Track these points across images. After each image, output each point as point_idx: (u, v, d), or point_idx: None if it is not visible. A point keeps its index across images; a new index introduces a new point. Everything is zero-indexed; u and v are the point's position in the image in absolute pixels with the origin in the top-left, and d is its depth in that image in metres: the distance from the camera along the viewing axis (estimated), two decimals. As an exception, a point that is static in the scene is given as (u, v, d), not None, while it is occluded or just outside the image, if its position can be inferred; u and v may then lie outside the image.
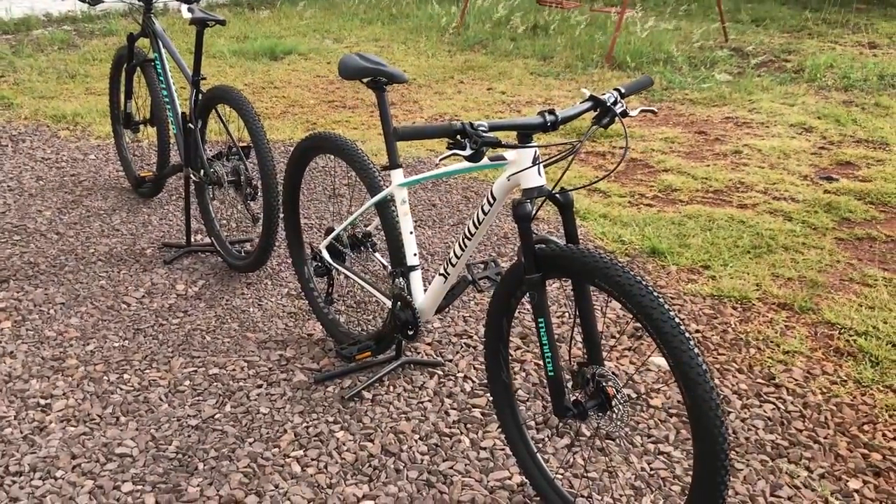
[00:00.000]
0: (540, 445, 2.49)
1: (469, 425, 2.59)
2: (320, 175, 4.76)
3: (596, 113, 1.94)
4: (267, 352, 2.98)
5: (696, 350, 1.70)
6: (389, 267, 2.63)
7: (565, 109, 1.92)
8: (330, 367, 2.88)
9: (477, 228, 2.20)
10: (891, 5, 10.27)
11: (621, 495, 2.30)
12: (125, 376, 2.83)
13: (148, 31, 3.86)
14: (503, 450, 2.46)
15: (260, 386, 2.78)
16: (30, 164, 4.88)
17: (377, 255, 2.87)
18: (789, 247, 3.87)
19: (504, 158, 2.04)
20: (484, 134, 1.77)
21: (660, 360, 2.92)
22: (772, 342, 3.08)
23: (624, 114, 1.93)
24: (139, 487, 2.30)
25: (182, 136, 3.66)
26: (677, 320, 1.72)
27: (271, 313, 3.25)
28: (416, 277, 2.53)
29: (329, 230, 2.90)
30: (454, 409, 2.67)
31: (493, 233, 3.99)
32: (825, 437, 2.56)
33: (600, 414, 1.97)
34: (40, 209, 4.22)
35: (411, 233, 2.51)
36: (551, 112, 1.87)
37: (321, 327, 3.11)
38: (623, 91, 1.97)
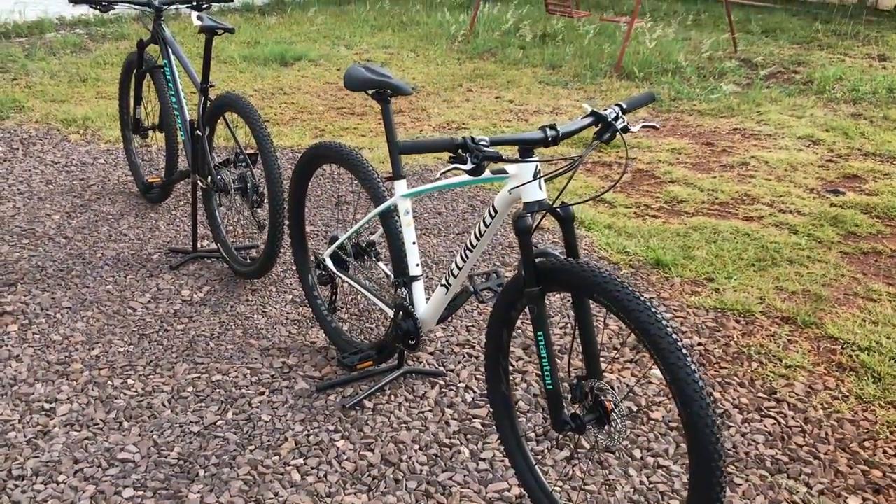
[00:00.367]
0: (540, 457, 2.50)
1: (469, 436, 2.60)
2: (327, 182, 4.78)
3: (597, 128, 1.95)
4: (270, 359, 3.00)
5: (693, 366, 1.71)
6: (392, 276, 2.65)
7: (566, 124, 1.93)
8: (332, 376, 2.90)
9: (478, 240, 2.21)
10: (902, 17, 10.25)
11: (619, 508, 2.31)
12: (129, 381, 2.85)
13: (158, 37, 3.89)
14: (502, 461, 2.47)
15: (262, 393, 2.80)
16: (40, 167, 4.93)
17: (381, 264, 2.88)
18: (794, 260, 3.87)
19: (505, 172, 2.05)
20: (485, 148, 1.78)
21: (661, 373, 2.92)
22: (774, 356, 3.08)
23: (625, 129, 1.94)
24: (140, 493, 2.32)
25: (190, 143, 3.69)
26: (675, 336, 1.72)
27: (275, 320, 3.27)
28: (418, 287, 2.54)
29: (333, 239, 2.92)
30: (455, 419, 2.68)
31: (497, 242, 4.01)
32: (825, 453, 2.56)
33: (598, 428, 1.98)
34: (49, 213, 4.26)
35: (414, 243, 2.53)
36: (552, 127, 1.89)
37: (324, 335, 3.12)
38: (625, 107, 1.98)
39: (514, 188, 2.00)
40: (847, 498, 2.38)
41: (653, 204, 4.58)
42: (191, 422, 2.64)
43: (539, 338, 1.98)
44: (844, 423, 2.71)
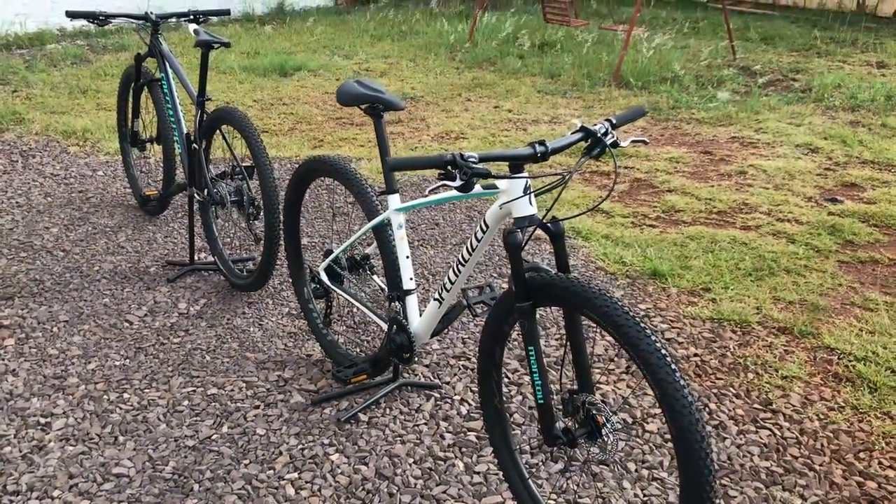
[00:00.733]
0: (534, 470, 2.50)
1: (464, 449, 2.60)
2: (325, 193, 4.79)
3: (587, 143, 1.96)
4: (266, 372, 3.00)
5: (683, 381, 1.71)
6: (386, 290, 2.65)
7: (556, 140, 1.94)
8: (328, 389, 2.90)
9: (471, 255, 2.22)
10: (901, 24, 10.26)
11: (613, 522, 2.31)
12: (125, 395, 2.85)
13: (155, 51, 3.91)
14: (496, 474, 2.47)
15: (257, 407, 2.80)
16: (39, 179, 4.94)
17: (375, 277, 2.89)
18: (791, 269, 3.87)
19: (496, 187, 2.06)
20: (474, 165, 1.79)
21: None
22: (770, 367, 3.08)
23: (614, 144, 1.94)
24: (134, 508, 2.32)
25: (187, 156, 3.71)
26: (664, 351, 1.73)
27: (271, 333, 3.28)
28: (411, 301, 2.55)
29: (328, 252, 2.93)
30: (449, 432, 2.68)
31: (494, 253, 4.01)
32: (821, 465, 2.56)
33: (589, 442, 1.98)
34: (47, 226, 4.27)
35: (407, 257, 2.53)
36: (541, 143, 1.89)
37: (320, 348, 3.13)
38: (614, 122, 1.98)
39: (505, 203, 2.01)
40: (842, 510, 2.37)
41: (650, 213, 4.59)
42: (186, 436, 2.64)
43: (530, 352, 1.98)
44: (840, 434, 2.71)
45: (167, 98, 3.85)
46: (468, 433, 2.67)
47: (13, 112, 6.18)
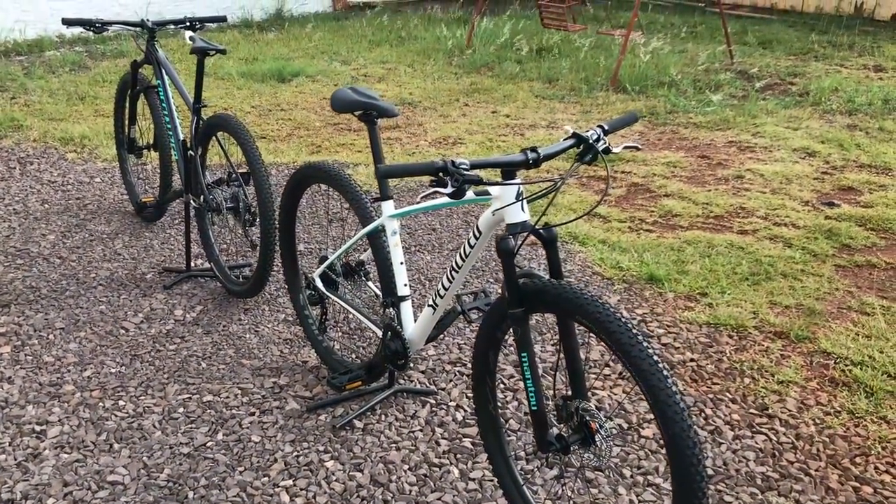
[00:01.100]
0: (529, 476, 2.50)
1: (459, 455, 2.60)
2: (322, 199, 4.79)
3: (579, 150, 1.96)
4: (261, 379, 3.00)
5: (675, 387, 1.71)
6: (381, 296, 2.65)
7: (548, 147, 1.94)
8: (323, 396, 2.90)
9: (464, 261, 2.22)
10: (898, 27, 10.27)
11: (608, 528, 2.31)
12: (120, 403, 2.85)
13: (151, 58, 3.92)
14: (492, 481, 2.47)
15: (253, 414, 2.80)
16: (36, 186, 4.95)
17: (370, 283, 2.89)
18: (788, 274, 3.87)
19: (489, 193, 2.06)
20: (465, 172, 1.79)
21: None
22: (766, 371, 3.08)
23: (606, 150, 1.95)
24: (129, 516, 2.32)
25: (183, 162, 3.71)
26: (655, 358, 1.73)
27: (267, 339, 3.28)
28: (406, 307, 2.55)
29: (323, 258, 2.93)
30: (445, 438, 2.68)
31: (491, 258, 4.01)
32: (816, 470, 2.56)
33: (583, 449, 1.98)
34: (44, 233, 4.28)
35: (402, 263, 2.53)
36: (533, 150, 1.90)
37: (316, 355, 3.13)
38: (607, 128, 1.99)
39: (498, 210, 2.01)
40: (837, 515, 2.37)
41: (647, 218, 4.59)
42: (181, 443, 2.64)
43: (523, 358, 1.98)
44: (836, 438, 2.70)
45: (163, 105, 3.86)
46: (463, 439, 2.67)
47: (11, 119, 6.19)
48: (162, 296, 3.64)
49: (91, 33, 3.90)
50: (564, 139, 1.98)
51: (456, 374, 3.04)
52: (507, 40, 9.29)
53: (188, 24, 3.79)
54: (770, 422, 2.79)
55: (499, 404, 2.74)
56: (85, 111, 6.60)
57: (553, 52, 8.90)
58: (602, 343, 1.89)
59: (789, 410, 2.85)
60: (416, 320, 2.53)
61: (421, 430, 2.72)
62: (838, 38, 9.50)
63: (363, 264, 2.89)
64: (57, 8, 9.18)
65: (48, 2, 9.28)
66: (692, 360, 3.16)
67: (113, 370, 3.05)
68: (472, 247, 2.17)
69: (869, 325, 3.39)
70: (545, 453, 2.02)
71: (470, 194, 2.08)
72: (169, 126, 3.83)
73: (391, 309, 2.56)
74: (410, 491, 2.44)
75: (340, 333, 3.34)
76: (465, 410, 2.82)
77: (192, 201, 3.67)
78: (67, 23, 3.78)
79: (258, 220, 3.31)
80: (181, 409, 2.82)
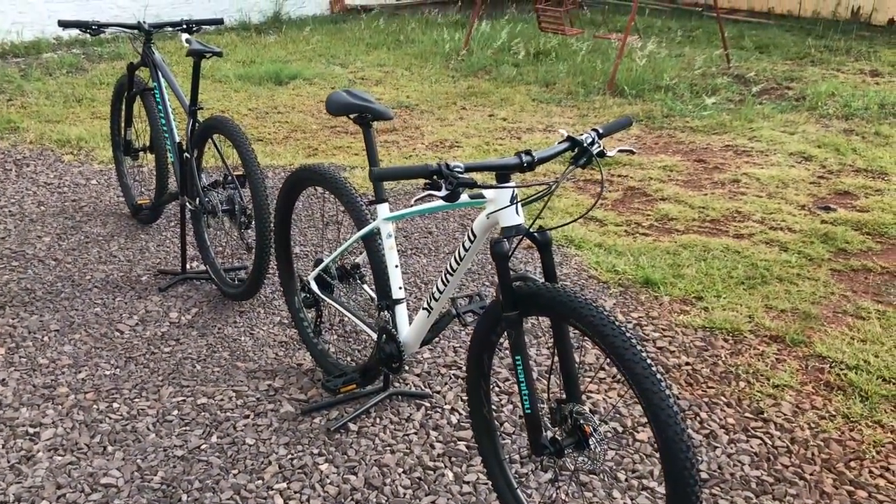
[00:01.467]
0: (524, 480, 2.49)
1: (454, 459, 2.59)
2: (317, 201, 4.79)
3: (573, 153, 1.96)
4: (256, 381, 3.00)
5: (668, 391, 1.71)
6: (376, 299, 2.65)
7: (542, 150, 1.94)
8: (318, 398, 2.89)
9: (459, 264, 2.22)
10: (894, 33, 10.29)
11: (603, 532, 2.30)
12: (114, 405, 2.85)
13: (148, 60, 3.92)
14: (486, 484, 2.46)
15: (247, 416, 2.79)
16: (32, 188, 4.94)
17: (366, 286, 2.88)
18: (784, 278, 3.87)
19: (483, 197, 2.06)
20: (460, 175, 1.79)
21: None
22: (762, 375, 3.08)
23: (601, 154, 1.95)
24: (122, 519, 2.32)
25: (179, 165, 3.71)
26: (649, 361, 1.73)
27: (262, 342, 3.27)
28: (401, 311, 2.55)
29: (318, 261, 2.93)
30: (439, 441, 2.67)
31: (487, 261, 4.01)
32: (811, 474, 2.56)
33: (577, 452, 1.98)
34: (40, 235, 4.27)
35: (397, 266, 2.53)
36: (528, 153, 1.90)
37: (311, 357, 3.12)
38: (601, 132, 1.99)
39: (492, 213, 2.01)
40: (832, 520, 2.37)
41: (643, 222, 4.59)
42: (175, 445, 2.64)
43: (517, 362, 1.98)
44: (831, 442, 2.70)
45: (160, 107, 3.86)
46: (458, 443, 2.67)
47: (8, 121, 6.18)
48: (157, 298, 3.63)
49: (88, 35, 3.90)
50: (559, 143, 1.98)
51: (451, 378, 3.03)
52: (505, 44, 9.30)
53: (185, 26, 3.79)
54: (765, 426, 2.79)
55: (493, 407, 2.75)
56: (82, 113, 6.59)
57: (550, 56, 8.91)
58: (596, 347, 1.89)
59: (784, 414, 2.85)
60: (411, 323, 2.53)
61: (415, 433, 2.71)
62: (835, 42, 9.52)
63: (358, 267, 2.89)
64: (54, 10, 9.18)
65: (45, 3, 9.28)
66: (687, 363, 3.16)
67: (107, 372, 3.04)
68: (466, 250, 2.17)
69: (864, 330, 3.40)
70: (539, 457, 2.01)
71: (465, 197, 2.09)
72: (165, 128, 3.83)
73: (386, 312, 2.56)
74: (405, 494, 2.44)
75: (335, 336, 3.33)
76: (460, 413, 2.82)
77: (187, 204, 3.67)
78: (64, 25, 3.78)
79: (254, 222, 3.31)
80: (175, 412, 2.81)
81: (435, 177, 1.80)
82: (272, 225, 3.18)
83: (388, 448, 2.64)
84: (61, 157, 5.51)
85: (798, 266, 4.00)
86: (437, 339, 3.06)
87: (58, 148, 5.70)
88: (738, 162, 5.62)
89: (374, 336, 2.64)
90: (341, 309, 2.84)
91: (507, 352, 3.13)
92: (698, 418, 2.82)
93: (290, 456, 2.59)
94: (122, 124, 4.35)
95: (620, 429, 2.75)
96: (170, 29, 3.86)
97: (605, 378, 3.04)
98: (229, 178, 3.47)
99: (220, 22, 3.99)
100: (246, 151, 3.23)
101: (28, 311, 3.48)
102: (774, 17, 11.64)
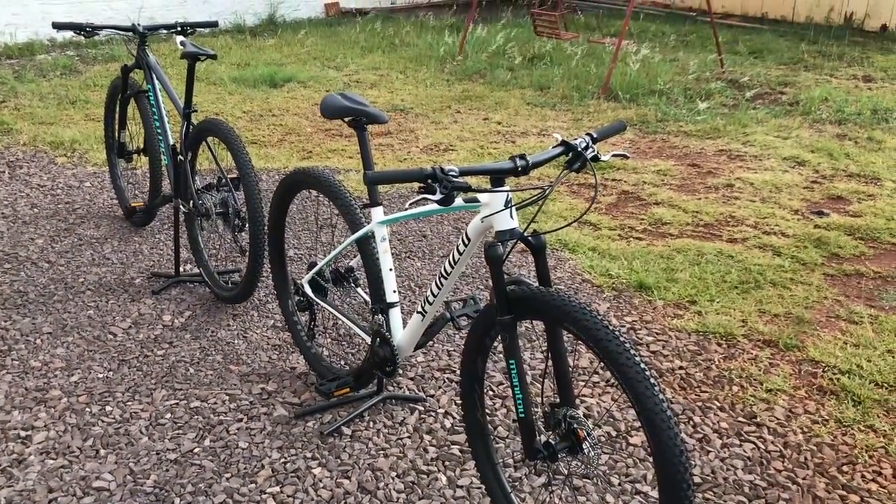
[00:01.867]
0: (517, 484, 2.49)
1: (447, 462, 2.59)
2: (312, 204, 4.79)
3: (567, 157, 1.97)
4: (249, 385, 2.99)
5: (662, 395, 1.71)
6: (370, 303, 2.65)
7: (537, 154, 1.94)
8: (311, 402, 2.89)
9: (453, 268, 2.22)
10: (887, 38, 10.35)
11: (596, 536, 2.30)
12: (107, 408, 2.84)
13: (142, 62, 3.91)
14: (479, 488, 2.46)
15: (240, 420, 2.78)
16: (25, 190, 4.93)
17: (360, 290, 2.88)
18: (777, 282, 3.88)
19: (478, 200, 2.06)
20: (454, 179, 1.79)
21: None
22: (755, 380, 3.09)
23: (595, 159, 1.95)
24: (114, 523, 2.31)
25: (173, 167, 3.70)
26: (643, 365, 1.73)
27: (255, 345, 3.27)
28: (395, 314, 2.54)
29: (312, 264, 2.92)
30: (433, 445, 2.67)
31: (481, 265, 4.01)
32: (804, 478, 2.56)
33: (570, 456, 1.98)
34: (33, 237, 4.26)
35: (391, 269, 2.53)
36: (522, 157, 1.90)
37: (304, 361, 3.12)
38: (595, 136, 1.99)
39: (486, 217, 2.01)
40: (824, 524, 2.37)
41: (637, 226, 4.60)
42: (168, 449, 2.63)
43: (511, 366, 1.98)
44: (824, 447, 2.71)
45: (154, 109, 3.85)
46: (452, 447, 2.66)
47: (1, 122, 6.16)
48: (150, 301, 3.62)
49: (82, 37, 3.89)
50: (553, 147, 1.98)
51: (445, 381, 3.03)
52: (500, 48, 9.31)
53: (179, 28, 3.78)
54: (758, 430, 2.79)
55: (487, 411, 2.75)
56: (75, 115, 6.57)
57: (545, 60, 8.92)
58: (590, 351, 1.89)
59: (777, 419, 2.85)
60: (405, 327, 2.53)
61: (409, 437, 2.71)
62: (828, 48, 9.56)
63: (352, 270, 2.88)
64: (48, 11, 9.15)
65: (39, 5, 9.26)
66: (681, 367, 3.16)
67: (100, 375, 3.03)
68: (461, 254, 2.17)
69: (857, 334, 3.41)
70: (533, 461, 2.02)
71: (459, 201, 2.09)
72: (159, 131, 3.82)
73: (380, 315, 2.56)
74: (398, 498, 2.43)
75: (329, 340, 3.33)
76: (454, 417, 2.82)
77: (181, 206, 3.66)
78: (58, 27, 3.77)
79: (247, 225, 3.30)
80: (168, 415, 2.80)
81: (429, 180, 1.80)
82: (266, 228, 3.17)
83: (382, 452, 2.63)
84: (55, 160, 5.50)
85: (791, 270, 4.01)
86: (430, 342, 3.05)
87: (51, 150, 5.68)
88: (732, 166, 5.64)
89: (368, 340, 2.64)
90: (335, 312, 2.84)
91: (501, 355, 3.13)
92: (692, 422, 2.82)
93: (283, 459, 2.58)
94: (116, 126, 4.34)
95: (614, 433, 2.75)
96: (164, 31, 3.86)
97: (598, 382, 3.04)
98: (223, 180, 3.46)
99: (214, 24, 3.98)
100: (240, 154, 3.23)
101: (20, 313, 3.46)
102: (768, 21, 11.69)
